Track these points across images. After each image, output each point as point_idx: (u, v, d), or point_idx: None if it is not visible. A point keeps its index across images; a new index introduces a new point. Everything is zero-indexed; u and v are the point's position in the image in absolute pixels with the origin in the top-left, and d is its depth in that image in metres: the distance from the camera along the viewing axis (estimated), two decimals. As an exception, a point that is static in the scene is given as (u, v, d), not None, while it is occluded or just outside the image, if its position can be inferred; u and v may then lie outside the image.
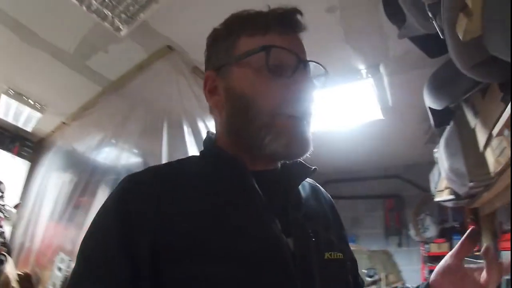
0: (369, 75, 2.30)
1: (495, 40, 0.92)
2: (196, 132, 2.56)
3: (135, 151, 2.62)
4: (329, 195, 0.75)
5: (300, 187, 0.64)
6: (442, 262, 0.62)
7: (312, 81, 0.58)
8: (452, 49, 1.11)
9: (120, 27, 2.07)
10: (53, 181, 3.56)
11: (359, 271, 0.72)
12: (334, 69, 2.31)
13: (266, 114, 0.56)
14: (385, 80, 2.39)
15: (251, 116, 0.56)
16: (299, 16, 0.61)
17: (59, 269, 2.33)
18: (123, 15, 1.99)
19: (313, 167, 0.63)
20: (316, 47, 2.27)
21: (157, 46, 2.34)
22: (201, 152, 0.66)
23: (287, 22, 0.60)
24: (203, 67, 2.44)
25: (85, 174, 2.97)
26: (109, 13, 1.95)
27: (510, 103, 1.07)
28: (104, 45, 2.37)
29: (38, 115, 3.54)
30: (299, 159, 0.61)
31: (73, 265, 2.24)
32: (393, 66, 2.26)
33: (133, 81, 2.54)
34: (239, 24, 0.62)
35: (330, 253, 0.58)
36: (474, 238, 0.61)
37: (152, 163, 2.81)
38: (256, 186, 0.55)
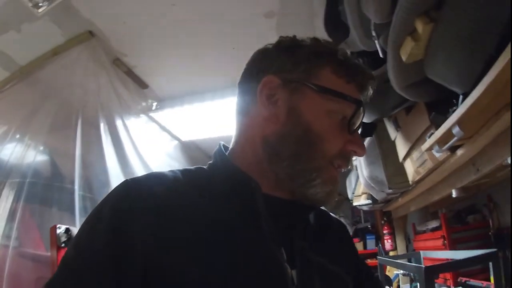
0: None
1: (437, 66, 1.01)
2: (113, 131, 2.35)
3: (44, 148, 2.27)
4: (340, 221, 0.74)
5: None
6: None
7: (364, 145, 0.60)
8: (392, 68, 1.19)
9: (39, 3, 1.76)
10: None
11: None
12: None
13: (324, 159, 0.55)
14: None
15: (310, 153, 0.54)
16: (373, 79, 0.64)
17: None
18: None
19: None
20: (249, 50, 2.30)
21: (77, 30, 2.04)
22: (210, 165, 0.61)
23: (366, 80, 0.62)
24: (125, 59, 2.23)
25: None
26: None
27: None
28: (17, 23, 1.97)
29: None
30: None
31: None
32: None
33: (46, 68, 2.17)
34: (329, 54, 0.59)
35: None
36: None
37: (62, 163, 2.48)
38: (265, 212, 0.53)
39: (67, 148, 2.22)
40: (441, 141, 1.10)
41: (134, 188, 0.51)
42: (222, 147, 0.62)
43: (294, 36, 0.62)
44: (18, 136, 2.26)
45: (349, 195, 2.73)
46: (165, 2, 1.77)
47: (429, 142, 1.16)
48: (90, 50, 2.10)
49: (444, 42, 0.93)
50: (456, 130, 0.97)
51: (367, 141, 2.11)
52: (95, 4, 1.84)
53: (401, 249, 2.58)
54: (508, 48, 0.72)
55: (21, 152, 2.14)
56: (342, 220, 3.56)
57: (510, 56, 0.70)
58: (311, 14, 1.80)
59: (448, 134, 1.04)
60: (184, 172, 0.57)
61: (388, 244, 2.83)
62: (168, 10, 1.79)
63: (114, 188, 0.52)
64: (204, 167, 0.61)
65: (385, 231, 2.74)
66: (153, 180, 0.54)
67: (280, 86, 0.57)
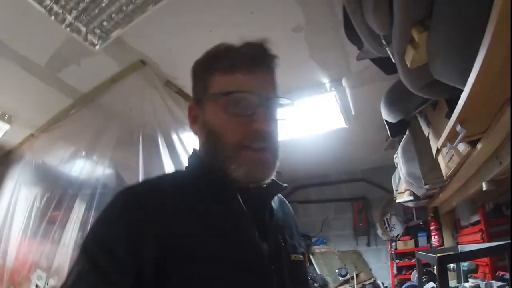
0: (333, 88, 2.49)
1: (439, 68, 1.09)
2: (170, 145, 2.59)
3: (110, 163, 2.63)
4: (290, 206, 0.85)
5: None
6: None
7: (270, 117, 0.66)
8: (402, 73, 1.28)
9: (94, 42, 2.09)
10: (23, 195, 3.45)
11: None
12: (301, 83, 2.48)
13: (229, 148, 0.65)
14: (348, 92, 2.58)
15: (219, 148, 0.66)
16: (266, 50, 0.68)
17: (36, 286, 2.30)
18: (97, 31, 2.01)
19: (284, 185, 0.73)
20: (284, 64, 2.42)
21: (130, 60, 2.35)
22: (187, 168, 0.74)
23: (253, 60, 0.67)
24: (175, 81, 2.52)
25: (58, 188, 2.90)
26: (83, 28, 1.96)
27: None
28: (77, 58, 2.33)
29: (6, 126, 3.41)
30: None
31: (51, 281, 2.22)
32: (354, 80, 2.44)
33: (106, 94, 2.53)
34: (212, 63, 0.69)
35: (295, 255, 0.70)
36: None
37: (126, 175, 2.83)
38: (241, 200, 0.65)
39: (130, 162, 2.53)
40: (452, 138, 1.15)
41: (135, 190, 0.63)
42: (197, 152, 0.74)
43: (196, 61, 0.74)
44: (86, 154, 2.65)
45: (394, 193, 2.74)
46: (203, 29, 1.99)
47: (441, 139, 1.22)
48: (143, 76, 2.39)
49: (439, 46, 1.01)
50: (458, 128, 1.03)
51: (404, 138, 2.15)
52: (143, 37, 2.12)
53: (448, 244, 2.52)
54: (485, 42, 0.77)
55: (90, 168, 2.51)
56: (394, 217, 3.54)
57: (486, 48, 0.75)
58: (336, 23, 1.90)
59: (456, 132, 1.10)
60: (168, 175, 0.72)
61: (435, 240, 2.78)
62: (206, 36, 2.01)
63: (117, 193, 0.62)
64: (182, 170, 0.75)
65: (432, 227, 2.69)
66: (148, 183, 0.67)
67: (196, 108, 0.72)
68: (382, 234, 3.70)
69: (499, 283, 1.43)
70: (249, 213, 0.65)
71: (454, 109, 1.35)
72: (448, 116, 1.23)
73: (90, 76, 2.55)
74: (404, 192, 2.39)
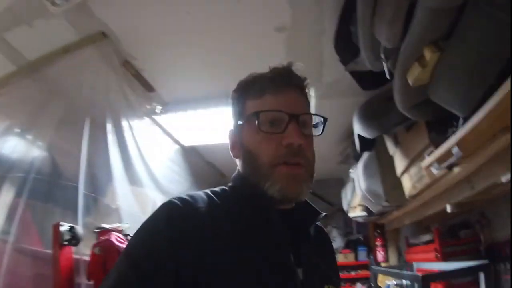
0: (299, 97, 2.45)
1: (440, 91, 1.10)
2: (119, 133, 2.34)
3: (47, 147, 2.29)
4: (327, 232, 0.86)
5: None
6: None
7: (301, 132, 0.67)
8: (398, 90, 1.28)
9: (56, 1, 1.79)
10: None
11: None
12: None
13: (264, 166, 0.66)
14: (313, 103, 2.58)
15: (255, 167, 0.68)
16: (292, 72, 0.72)
17: None
18: None
19: (324, 213, 0.73)
20: (256, 61, 2.36)
21: (90, 30, 2.01)
22: (231, 187, 0.74)
23: (280, 81, 0.70)
24: (135, 62, 2.26)
25: None
26: None
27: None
28: (30, 18, 1.93)
29: None
30: (308, 202, 0.73)
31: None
32: (323, 90, 2.45)
33: (55, 65, 2.12)
34: (244, 90, 0.74)
35: (328, 286, 0.70)
36: None
37: (64, 161, 2.49)
38: (280, 224, 0.65)
39: (72, 147, 2.23)
40: (440, 159, 1.18)
41: (182, 205, 0.63)
42: (240, 173, 0.75)
43: (232, 91, 0.78)
44: (21, 131, 2.26)
45: (345, 207, 2.81)
46: (180, 10, 1.83)
47: (429, 160, 1.24)
48: (101, 51, 2.08)
49: (449, 70, 1.02)
50: (455, 150, 1.05)
51: (366, 155, 2.21)
52: (110, 7, 1.87)
53: (393, 260, 2.66)
54: (508, 81, 0.80)
55: (24, 148, 2.14)
56: (335, 230, 3.65)
57: (510, 88, 0.78)
58: (320, 31, 1.89)
59: (447, 153, 1.13)
60: (213, 193, 0.70)
61: (380, 255, 2.91)
62: (183, 18, 1.85)
63: (163, 204, 0.63)
64: (226, 188, 0.74)
65: (378, 243, 2.82)
66: (195, 199, 0.65)
67: (234, 134, 0.75)
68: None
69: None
70: (287, 237, 0.65)
71: (435, 133, 1.41)
72: (436, 138, 1.26)
73: (41, 41, 2.09)
74: (356, 207, 2.45)
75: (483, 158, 1.15)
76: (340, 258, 3.68)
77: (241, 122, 0.72)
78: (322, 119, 0.73)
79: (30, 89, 2.29)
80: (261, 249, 0.62)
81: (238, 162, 0.75)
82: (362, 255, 3.55)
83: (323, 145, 3.28)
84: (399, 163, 1.78)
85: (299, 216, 0.71)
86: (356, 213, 2.45)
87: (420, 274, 1.30)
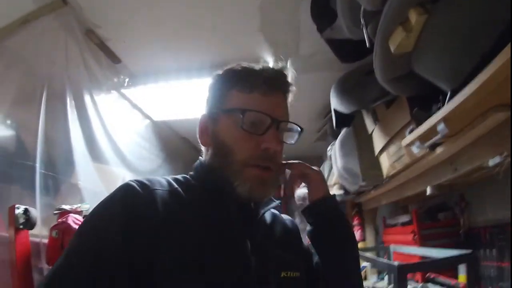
0: (275, 68, 2.30)
1: (426, 61, 0.98)
2: (80, 107, 2.20)
3: (8, 122, 2.12)
4: (294, 221, 0.87)
5: (266, 215, 0.76)
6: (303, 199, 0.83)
7: (280, 139, 0.70)
8: (378, 59, 1.15)
9: None
10: None
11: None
12: (241, 54, 2.23)
13: (237, 164, 0.67)
14: (289, 75, 2.44)
15: (228, 161, 0.68)
16: (284, 77, 0.74)
17: None
18: None
19: (277, 201, 0.76)
20: (229, 30, 2.20)
21: None
22: (192, 176, 0.74)
23: (271, 83, 0.70)
24: (99, 31, 2.08)
25: None
26: None
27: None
28: None
29: None
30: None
31: None
32: (299, 64, 2.30)
33: (14, 36, 1.92)
34: (231, 79, 0.72)
35: (286, 272, 0.69)
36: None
37: (27, 138, 2.31)
38: (237, 214, 0.66)
39: (32, 122, 2.07)
40: (422, 138, 1.07)
41: (139, 188, 0.61)
42: (202, 162, 0.76)
43: (215, 74, 0.77)
44: None
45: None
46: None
47: (410, 137, 1.13)
48: (62, 19, 1.92)
49: (436, 36, 0.89)
50: (441, 127, 0.94)
51: (343, 132, 2.10)
52: None
53: (370, 240, 2.61)
54: (507, 48, 0.68)
55: None
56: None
57: (510, 56, 0.66)
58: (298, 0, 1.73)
59: (431, 131, 1.02)
60: (175, 179, 0.70)
61: (357, 234, 2.84)
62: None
63: (120, 186, 0.62)
64: (188, 176, 0.74)
65: (354, 222, 2.78)
66: (153, 182, 0.65)
67: (207, 120, 0.74)
68: (300, 224, 3.73)
69: (435, 287, 1.45)
70: (244, 227, 0.66)
71: (415, 108, 1.30)
72: (419, 114, 1.14)
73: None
74: (333, 186, 2.37)
75: (469, 139, 1.05)
76: None
77: (219, 111, 0.71)
78: (299, 129, 0.75)
79: None
80: (217, 237, 0.62)
81: (204, 149, 0.76)
82: None
83: (301, 122, 3.17)
84: (378, 141, 1.67)
85: (252, 206, 0.72)
86: (333, 191, 2.37)
87: (396, 262, 1.21)
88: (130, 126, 2.80)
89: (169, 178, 0.69)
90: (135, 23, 2.06)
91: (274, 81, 0.71)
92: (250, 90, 0.69)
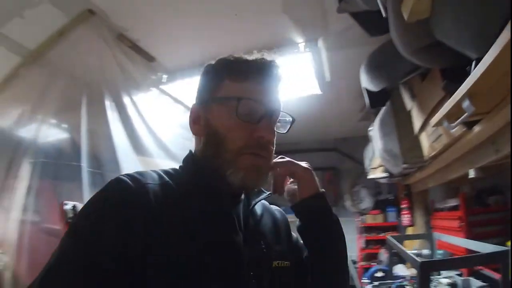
0: (308, 49, 2.18)
1: (445, 26, 0.84)
2: (120, 106, 2.32)
3: (63, 126, 2.35)
4: (283, 212, 0.85)
5: (257, 206, 0.75)
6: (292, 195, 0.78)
7: (273, 128, 0.70)
8: (395, 30, 1.02)
9: None
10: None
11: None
12: (271, 40, 2.14)
13: (231, 152, 0.66)
14: (323, 55, 2.31)
15: (221, 150, 0.66)
16: (277, 66, 0.72)
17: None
18: None
19: (268, 192, 0.75)
20: (254, 18, 2.14)
21: (77, 10, 2.01)
22: (182, 168, 0.73)
23: (264, 73, 0.70)
24: (128, 34, 2.15)
25: (7, 153, 2.63)
26: None
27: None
28: (20, 10, 2.00)
29: None
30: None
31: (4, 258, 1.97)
32: (331, 41, 2.17)
33: (53, 49, 2.16)
34: (223, 68, 0.71)
35: (278, 262, 0.70)
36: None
37: (78, 140, 2.52)
38: (228, 207, 0.67)
39: (78, 126, 2.24)
40: (450, 116, 0.93)
41: (130, 182, 0.61)
42: (192, 154, 0.74)
43: (207, 64, 0.75)
44: (34, 115, 2.33)
45: (366, 167, 2.57)
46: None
47: (437, 116, 0.99)
48: (92, 28, 2.05)
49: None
50: (466, 104, 0.80)
51: (382, 111, 1.93)
52: None
53: (420, 225, 2.40)
54: None
55: (39, 130, 2.22)
56: (364, 190, 3.46)
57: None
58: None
59: (459, 108, 0.88)
60: (166, 172, 0.69)
61: (406, 219, 2.67)
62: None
63: (111, 181, 0.61)
64: (178, 169, 0.73)
65: (403, 206, 2.57)
66: (144, 176, 0.64)
67: (199, 109, 0.72)
68: (351, 206, 3.59)
69: (478, 283, 1.29)
70: (236, 219, 0.67)
71: (449, 81, 1.13)
72: (447, 88, 0.99)
73: (36, 30, 2.18)
74: (377, 168, 2.21)
75: (507, 117, 0.89)
76: (368, 220, 3.51)
77: (211, 100, 0.70)
78: (291, 119, 0.75)
79: (35, 75, 2.38)
80: (209, 229, 0.62)
81: (196, 139, 0.75)
82: (392, 216, 3.31)
83: (343, 102, 3.02)
84: (417, 119, 1.51)
85: (244, 197, 0.73)
86: (377, 174, 2.22)
87: (419, 258, 1.09)
88: (172, 120, 2.89)
89: (160, 171, 0.69)
90: (161, 21, 2.12)
91: (268, 71, 0.70)
92: (244, 78, 0.69)
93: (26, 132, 2.57)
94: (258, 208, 0.76)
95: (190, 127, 0.74)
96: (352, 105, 2.90)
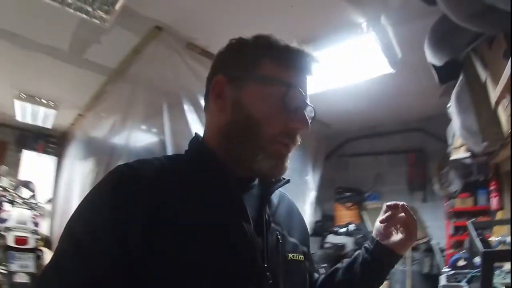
0: (371, 29, 2.12)
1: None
2: (197, 108, 2.51)
3: (152, 130, 2.70)
4: (296, 205, 0.82)
5: (273, 195, 0.71)
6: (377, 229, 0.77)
7: (308, 120, 0.66)
8: None
9: (104, 17, 2.03)
10: (78, 171, 3.72)
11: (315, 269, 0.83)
12: (332, 25, 2.17)
13: (265, 139, 0.62)
14: (389, 31, 2.21)
15: (252, 135, 0.62)
16: (315, 62, 0.69)
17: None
18: (104, 6, 1.95)
19: (287, 179, 0.71)
20: (307, 6, 2.14)
21: (146, 29, 2.31)
22: (187, 152, 0.70)
23: (306, 64, 0.67)
24: (197, 42, 2.39)
25: (105, 159, 3.13)
26: (88, 7, 1.93)
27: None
28: (96, 37, 2.40)
29: (53, 112, 3.70)
30: None
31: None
32: (395, 16, 2.07)
33: (132, 66, 2.56)
34: (267, 47, 0.67)
35: (293, 254, 0.68)
36: (392, 208, 0.75)
37: (169, 141, 2.87)
38: (239, 194, 0.63)
39: (177, 128, 2.56)
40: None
41: (130, 169, 0.60)
42: (197, 136, 0.71)
43: (240, 38, 0.70)
44: (123, 125, 2.76)
45: (449, 147, 2.36)
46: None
47: (498, 88, 0.92)
48: (162, 42, 2.31)
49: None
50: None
51: (458, 85, 1.78)
52: (152, 2, 2.01)
53: (508, 209, 2.11)
54: None
55: (128, 137, 2.67)
56: (452, 171, 3.16)
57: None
58: None
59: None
60: (168, 158, 0.67)
61: (494, 202, 2.39)
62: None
63: (109, 172, 0.60)
64: (182, 154, 0.70)
65: (492, 187, 2.27)
66: (144, 163, 0.62)
67: (226, 83, 0.66)
68: (439, 189, 3.32)
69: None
70: (249, 208, 0.63)
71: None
72: (507, 55, 0.92)
73: (113, 51, 2.61)
74: (460, 148, 2.04)
75: None
76: (458, 203, 3.20)
77: (246, 77, 0.65)
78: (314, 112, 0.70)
79: (120, 90, 2.85)
80: (219, 218, 0.60)
81: (213, 113, 0.67)
82: (483, 200, 2.96)
83: (420, 78, 2.82)
84: (492, 91, 1.37)
85: (260, 185, 0.70)
86: (460, 154, 2.04)
87: (483, 249, 1.00)
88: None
89: (162, 158, 0.66)
90: (223, 23, 2.26)
91: (308, 62, 0.68)
92: (288, 64, 0.65)
93: (119, 139, 3.06)
94: (274, 197, 0.73)
95: (210, 100, 0.68)
96: (431, 81, 2.70)
